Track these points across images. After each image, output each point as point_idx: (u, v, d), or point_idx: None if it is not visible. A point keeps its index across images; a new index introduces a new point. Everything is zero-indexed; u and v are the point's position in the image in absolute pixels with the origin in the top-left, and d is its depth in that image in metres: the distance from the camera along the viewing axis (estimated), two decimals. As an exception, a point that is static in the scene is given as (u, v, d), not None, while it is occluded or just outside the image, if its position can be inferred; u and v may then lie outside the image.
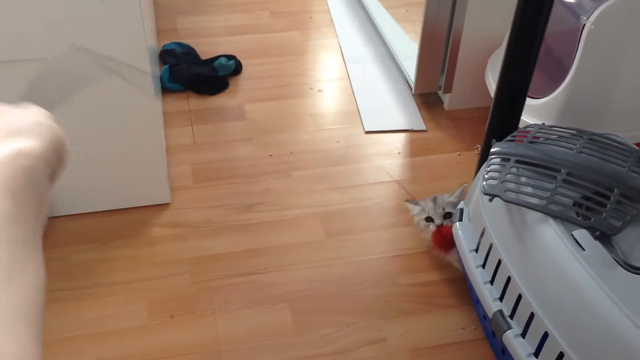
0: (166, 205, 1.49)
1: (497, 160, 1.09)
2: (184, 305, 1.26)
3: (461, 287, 1.31)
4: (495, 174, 1.05)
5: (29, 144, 0.39)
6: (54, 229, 1.40)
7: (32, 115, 0.43)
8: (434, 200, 1.34)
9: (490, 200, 1.02)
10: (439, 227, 1.30)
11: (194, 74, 1.87)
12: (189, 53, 2.00)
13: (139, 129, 1.35)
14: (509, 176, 1.04)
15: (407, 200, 1.42)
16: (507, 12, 1.63)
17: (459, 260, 1.26)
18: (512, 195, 1.00)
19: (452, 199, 1.33)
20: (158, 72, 1.85)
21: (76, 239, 1.39)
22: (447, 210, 1.31)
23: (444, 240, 1.29)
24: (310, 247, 1.40)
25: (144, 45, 1.24)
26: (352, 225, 1.47)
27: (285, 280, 1.32)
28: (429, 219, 1.32)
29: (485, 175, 1.06)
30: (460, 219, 1.20)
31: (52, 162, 0.41)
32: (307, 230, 1.44)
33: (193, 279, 1.32)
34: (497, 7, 1.64)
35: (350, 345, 1.20)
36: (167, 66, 1.89)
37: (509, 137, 1.15)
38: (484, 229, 1.11)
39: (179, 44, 2.04)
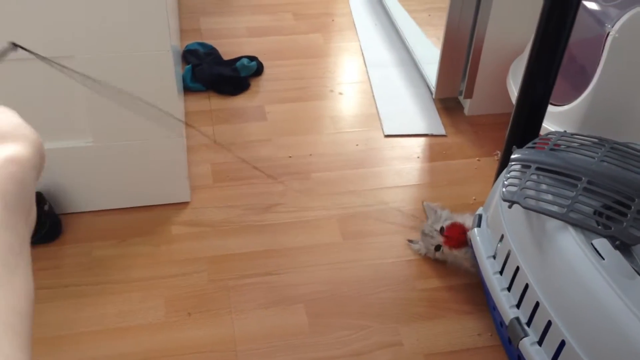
0: (186, 204, 1.50)
1: (518, 167, 1.08)
2: (201, 304, 1.27)
3: (477, 293, 1.31)
4: (516, 181, 1.05)
5: (16, 149, 0.38)
6: (76, 224, 1.42)
7: (8, 117, 0.41)
8: (423, 233, 1.37)
9: (510, 206, 1.02)
10: (446, 236, 1.31)
11: (216, 74, 1.89)
12: (211, 53, 2.01)
13: (160, 127, 1.37)
14: (529, 183, 1.03)
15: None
16: (530, 19, 1.62)
17: (473, 261, 1.28)
18: (532, 203, 0.99)
19: (431, 221, 1.36)
20: (181, 72, 1.87)
21: (97, 235, 1.41)
22: (439, 227, 1.33)
23: (451, 238, 1.31)
24: (327, 249, 1.41)
25: (168, 45, 1.25)
26: (370, 228, 1.47)
27: (301, 282, 1.33)
28: (437, 247, 1.33)
29: (505, 182, 1.05)
30: (479, 225, 1.20)
31: (38, 165, 0.40)
32: (325, 233, 1.44)
33: (211, 278, 1.33)
34: (520, 13, 1.64)
35: (365, 348, 1.21)
36: (189, 66, 1.91)
37: (529, 144, 1.15)
38: (502, 235, 1.10)
39: (202, 44, 2.06)
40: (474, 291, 1.31)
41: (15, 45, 0.53)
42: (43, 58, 0.59)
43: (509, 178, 1.06)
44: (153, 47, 1.24)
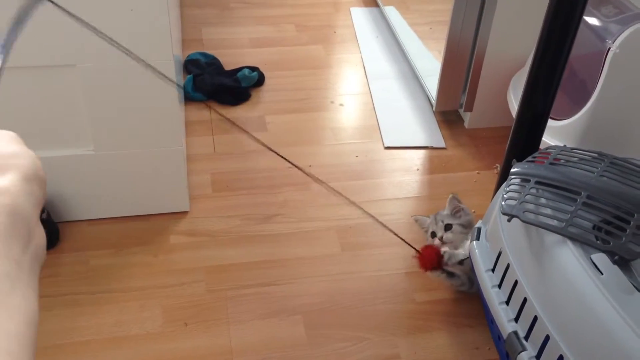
0: (185, 213, 1.50)
1: (517, 180, 1.08)
2: (199, 314, 1.27)
3: (476, 306, 1.30)
4: (515, 195, 1.05)
5: (6, 180, 0.38)
6: (74, 232, 1.42)
7: (2, 144, 0.41)
8: (435, 216, 1.38)
9: (509, 220, 1.02)
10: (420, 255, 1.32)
11: (217, 84, 1.89)
12: (213, 63, 2.02)
13: (161, 136, 1.37)
14: (528, 197, 1.03)
15: (414, 216, 1.45)
16: (531, 33, 1.63)
17: (447, 279, 1.31)
18: (531, 216, 0.99)
19: (446, 212, 1.38)
20: (182, 82, 1.87)
21: (95, 244, 1.41)
22: (446, 222, 1.34)
23: (424, 260, 1.31)
24: (326, 261, 1.40)
25: (170, 55, 1.26)
26: (369, 240, 1.47)
27: (300, 293, 1.33)
28: (433, 234, 1.35)
29: (505, 195, 1.05)
30: (478, 238, 1.19)
31: (35, 191, 0.40)
32: (324, 244, 1.44)
33: (208, 288, 1.32)
34: (521, 27, 1.64)
35: (363, 360, 1.20)
36: (191, 76, 1.91)
37: (529, 158, 1.15)
38: (501, 249, 1.10)
39: (204, 54, 2.06)
40: (473, 304, 1.31)
41: None
42: (73, 15, 0.58)
43: (508, 192, 1.06)
44: (155, 57, 1.24)
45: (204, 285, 1.33)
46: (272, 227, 1.48)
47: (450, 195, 1.38)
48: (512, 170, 1.12)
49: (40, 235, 0.41)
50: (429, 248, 1.32)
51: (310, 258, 1.40)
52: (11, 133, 0.43)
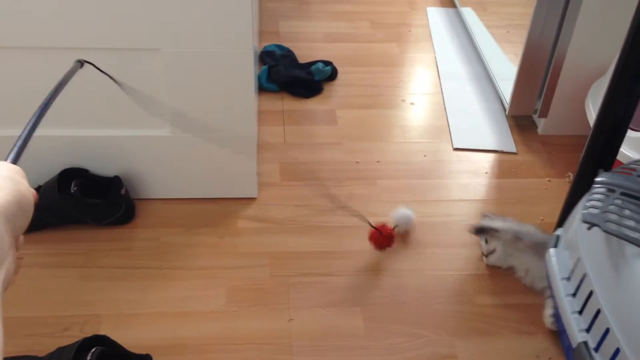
0: (253, 199, 1.54)
1: (602, 190, 1.06)
2: (261, 297, 1.30)
3: (539, 314, 1.29)
4: (598, 204, 1.03)
5: None
6: (148, 210, 1.49)
7: None
8: (483, 222, 1.42)
9: (589, 228, 1.00)
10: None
11: (291, 76, 1.93)
12: (287, 56, 2.06)
13: (235, 123, 1.41)
14: (611, 207, 1.01)
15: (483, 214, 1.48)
16: (614, 39, 1.59)
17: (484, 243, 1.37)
18: (613, 227, 0.97)
19: (489, 220, 1.43)
20: (257, 72, 1.92)
21: (167, 222, 1.47)
22: (493, 225, 1.39)
23: (378, 238, 1.40)
24: (388, 256, 1.41)
25: (250, 44, 1.29)
26: (432, 239, 1.47)
27: (360, 285, 1.34)
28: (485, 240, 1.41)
29: (587, 204, 1.04)
30: (556, 245, 1.18)
31: (13, 218, 0.39)
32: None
33: (272, 273, 1.36)
34: (604, 34, 1.60)
35: (419, 357, 1.21)
36: (266, 67, 1.95)
37: (617, 169, 1.13)
38: (579, 258, 1.09)
39: (279, 47, 2.10)
40: (535, 312, 1.29)
41: (83, 63, 0.56)
42: (106, 74, 0.62)
43: (591, 200, 1.04)
44: (236, 46, 1.28)
45: (267, 269, 1.36)
46: (336, 218, 1.50)
47: (481, 215, 1.46)
48: (597, 179, 1.10)
49: (11, 260, 0.39)
50: (384, 227, 1.40)
51: (372, 252, 1.42)
52: (10, 164, 0.43)
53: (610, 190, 1.04)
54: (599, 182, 1.08)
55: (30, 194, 0.42)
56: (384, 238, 1.40)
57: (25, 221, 0.42)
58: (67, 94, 1.32)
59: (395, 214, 1.46)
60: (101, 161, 1.44)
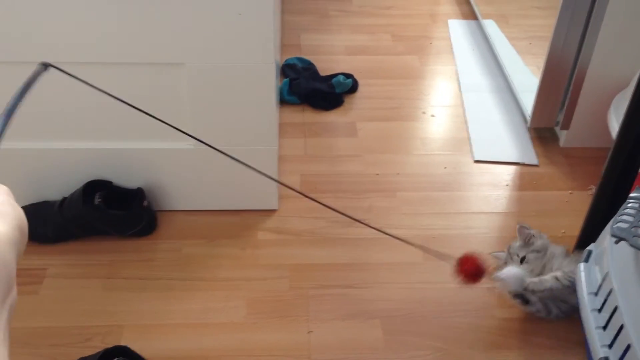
0: (273, 211, 1.55)
1: (635, 205, 1.06)
2: (281, 309, 1.31)
3: (557, 327, 1.27)
4: (629, 218, 1.02)
5: None
6: (170, 221, 1.51)
7: None
8: (508, 249, 1.36)
9: (617, 242, 0.99)
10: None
11: (312, 89, 1.94)
12: (309, 68, 2.07)
13: (257, 136, 1.43)
14: None
15: (492, 253, 1.40)
16: (637, 52, 1.58)
17: (523, 305, 1.27)
18: None
19: (518, 243, 1.34)
20: (279, 85, 1.93)
21: (188, 233, 1.48)
22: (521, 255, 1.31)
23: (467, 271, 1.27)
24: (407, 268, 1.41)
25: (272, 58, 1.31)
26: (452, 251, 1.45)
27: (380, 298, 1.34)
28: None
29: (617, 218, 1.03)
30: (586, 260, 1.17)
31: (18, 243, 0.39)
32: (406, 252, 1.45)
33: (292, 285, 1.36)
34: (627, 46, 1.59)
35: (438, 370, 1.20)
36: (287, 79, 1.97)
37: None
38: (607, 273, 1.08)
39: (301, 59, 2.12)
40: (554, 325, 1.28)
41: (47, 66, 0.56)
42: (75, 77, 0.62)
43: (622, 214, 1.04)
44: (258, 59, 1.30)
45: (287, 281, 1.37)
46: (356, 231, 1.50)
47: (518, 226, 1.36)
48: (631, 194, 1.09)
49: (15, 291, 0.39)
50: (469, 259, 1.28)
51: (392, 264, 1.42)
52: (4, 187, 0.43)
53: None
54: (632, 197, 1.07)
55: (24, 216, 0.42)
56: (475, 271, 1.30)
57: (24, 246, 0.41)
58: (91, 107, 1.35)
59: (505, 274, 1.27)
60: (124, 173, 1.46)
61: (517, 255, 1.32)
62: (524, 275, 1.26)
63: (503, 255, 1.38)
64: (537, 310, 1.28)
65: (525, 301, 1.28)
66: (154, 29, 1.26)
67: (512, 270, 1.27)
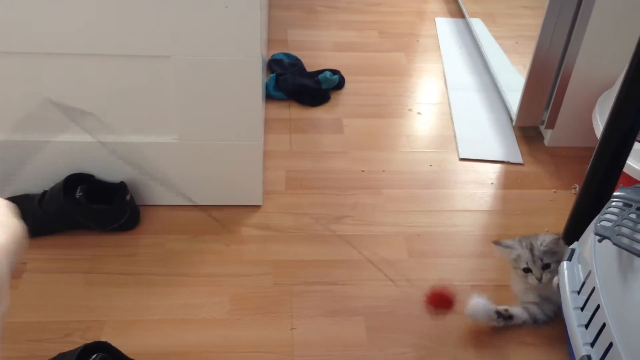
0: (257, 207, 1.54)
1: (619, 204, 1.06)
2: (264, 305, 1.30)
3: (545, 326, 1.28)
4: (612, 217, 1.02)
5: None
6: (153, 216, 1.49)
7: None
8: (531, 249, 1.29)
9: (600, 241, 1.00)
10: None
11: (298, 85, 1.93)
12: (295, 64, 2.06)
13: (242, 131, 1.42)
14: (625, 221, 1.01)
15: (494, 242, 1.35)
16: (622, 52, 1.58)
17: (506, 323, 1.26)
18: (624, 241, 0.97)
19: (546, 248, 1.29)
20: (265, 80, 1.92)
21: (171, 229, 1.47)
22: (546, 261, 1.28)
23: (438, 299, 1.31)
24: (392, 265, 1.41)
25: (259, 52, 1.30)
26: (436, 249, 1.47)
27: (363, 294, 1.34)
28: (527, 270, 1.28)
29: (601, 216, 1.03)
30: (569, 259, 1.18)
31: (13, 255, 0.40)
32: (391, 249, 1.45)
33: (275, 281, 1.36)
34: (612, 46, 1.60)
35: (421, 368, 1.20)
36: (273, 75, 1.96)
37: (638, 185, 1.12)
38: (590, 271, 1.08)
39: (287, 55, 2.11)
40: (542, 324, 1.28)
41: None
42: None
43: (605, 213, 1.04)
44: (245, 53, 1.29)
45: (271, 278, 1.36)
46: (341, 228, 1.50)
47: (557, 236, 1.30)
48: (615, 193, 1.09)
49: (7, 300, 0.40)
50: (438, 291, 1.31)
51: (377, 261, 1.41)
52: (3, 200, 0.44)
53: (627, 205, 1.04)
54: (616, 196, 1.08)
55: (22, 228, 0.42)
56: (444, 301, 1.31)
57: (20, 258, 0.42)
58: (72, 99, 1.33)
59: (473, 308, 1.27)
60: (107, 167, 1.44)
61: (541, 261, 1.28)
62: (489, 304, 1.27)
63: (511, 243, 1.32)
64: (523, 322, 1.28)
65: (508, 318, 1.27)
66: (139, 21, 1.24)
67: (479, 303, 1.26)
